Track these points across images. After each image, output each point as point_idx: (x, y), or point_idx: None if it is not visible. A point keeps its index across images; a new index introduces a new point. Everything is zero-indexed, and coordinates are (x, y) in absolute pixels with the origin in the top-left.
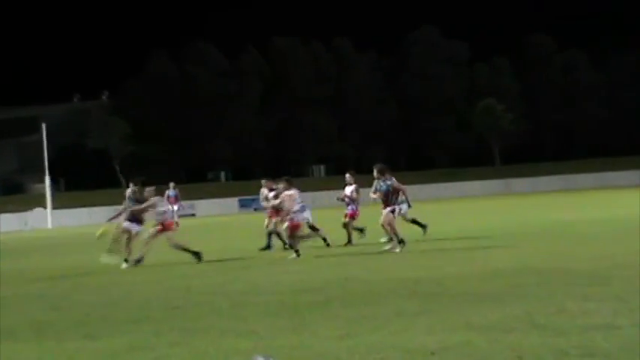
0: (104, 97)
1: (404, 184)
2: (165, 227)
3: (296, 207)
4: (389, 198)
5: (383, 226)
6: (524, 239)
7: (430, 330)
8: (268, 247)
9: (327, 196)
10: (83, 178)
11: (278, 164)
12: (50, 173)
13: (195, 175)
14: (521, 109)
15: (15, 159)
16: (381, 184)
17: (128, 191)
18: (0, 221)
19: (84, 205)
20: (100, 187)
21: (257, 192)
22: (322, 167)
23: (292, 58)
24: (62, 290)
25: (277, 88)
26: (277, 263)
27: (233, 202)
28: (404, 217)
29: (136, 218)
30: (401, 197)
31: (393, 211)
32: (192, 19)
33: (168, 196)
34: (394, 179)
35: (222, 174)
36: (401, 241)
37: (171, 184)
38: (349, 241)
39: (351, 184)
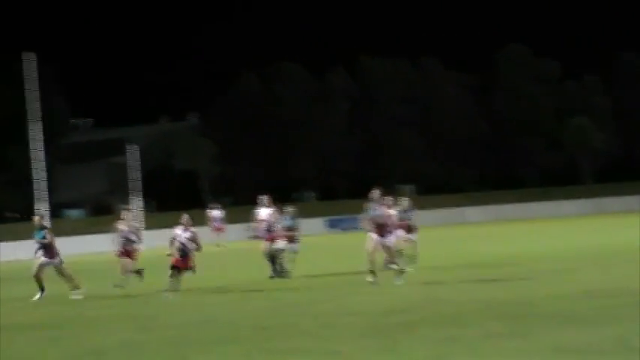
0: (192, 119)
1: (492, 203)
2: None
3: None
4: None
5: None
6: (616, 260)
7: (520, 352)
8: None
9: (417, 215)
10: (171, 198)
11: (364, 184)
12: (139, 194)
13: (280, 195)
14: (612, 128)
15: (104, 180)
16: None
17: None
18: (90, 242)
19: (171, 226)
20: (188, 208)
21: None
22: (410, 187)
23: (379, 78)
24: (151, 310)
25: (364, 108)
26: (363, 284)
27: (318, 222)
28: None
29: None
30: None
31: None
32: (279, 40)
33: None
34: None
35: (308, 194)
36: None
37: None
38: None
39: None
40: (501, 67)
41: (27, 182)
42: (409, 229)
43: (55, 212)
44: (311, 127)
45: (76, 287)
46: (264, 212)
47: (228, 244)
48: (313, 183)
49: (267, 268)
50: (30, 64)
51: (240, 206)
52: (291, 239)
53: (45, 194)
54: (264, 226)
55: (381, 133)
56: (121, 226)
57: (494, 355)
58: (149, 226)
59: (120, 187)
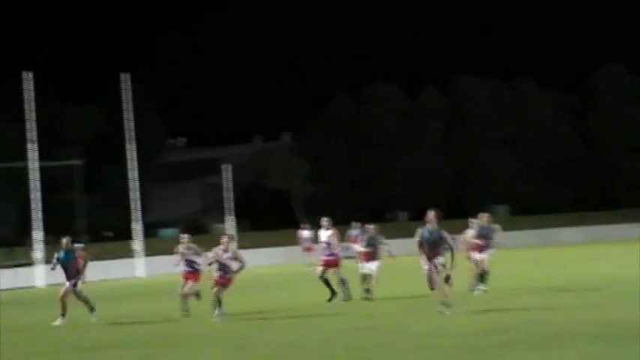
0: (285, 138)
1: (587, 224)
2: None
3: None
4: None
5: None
6: None
7: None
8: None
9: (512, 236)
10: (263, 218)
11: (458, 204)
12: (232, 213)
13: (374, 215)
14: None
15: (199, 199)
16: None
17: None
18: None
19: (265, 246)
20: (280, 227)
21: None
22: (504, 207)
23: (473, 97)
24: (245, 330)
25: (458, 127)
26: (459, 303)
27: (412, 242)
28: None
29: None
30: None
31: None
32: (373, 59)
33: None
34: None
35: (402, 214)
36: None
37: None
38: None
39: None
40: (598, 86)
41: (122, 201)
42: (482, 248)
43: (149, 232)
44: (404, 147)
45: (92, 309)
46: (324, 234)
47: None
48: (407, 203)
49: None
50: (125, 83)
51: (333, 226)
52: (369, 258)
53: (139, 214)
54: (323, 248)
55: (475, 153)
56: (182, 249)
57: None
58: (243, 246)
59: (213, 206)
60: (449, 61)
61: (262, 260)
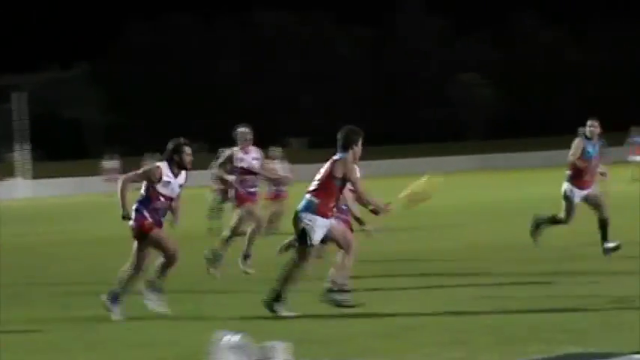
0: (81, 66)
1: (377, 158)
2: None
3: None
4: None
5: None
6: (500, 215)
7: None
8: None
9: (308, 170)
10: (58, 148)
11: (255, 137)
12: (27, 142)
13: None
14: (503, 85)
15: None
16: None
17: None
18: None
19: (58, 176)
20: (76, 158)
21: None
22: (301, 140)
23: (270, 30)
24: (38, 261)
25: (256, 60)
26: None
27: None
28: None
29: None
30: None
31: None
32: None
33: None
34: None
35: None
36: None
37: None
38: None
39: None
40: (394, 24)
41: None
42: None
43: None
44: (202, 80)
45: None
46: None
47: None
48: (205, 135)
49: None
50: None
51: (133, 157)
52: None
53: None
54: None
55: (271, 87)
56: None
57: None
58: (38, 176)
59: (5, 135)
60: None
61: (58, 190)
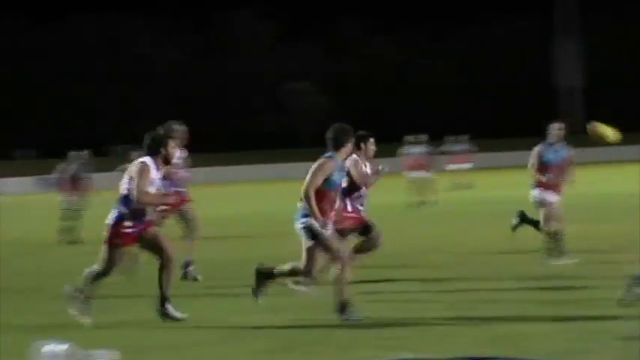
0: None
1: (206, 166)
2: None
3: None
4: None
5: None
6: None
7: None
8: None
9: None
10: None
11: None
12: None
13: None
14: (332, 93)
15: None
16: None
17: None
18: None
19: None
20: None
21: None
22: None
23: (89, 35)
24: None
25: (70, 66)
26: None
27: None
28: None
29: None
30: None
31: None
32: None
33: None
34: None
35: (29, 151)
36: None
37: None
38: None
39: None
40: (225, 29)
41: None
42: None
43: None
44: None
45: None
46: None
47: None
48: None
49: None
50: None
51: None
52: None
53: None
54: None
55: (85, 95)
56: None
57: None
58: None
59: None
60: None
61: None
